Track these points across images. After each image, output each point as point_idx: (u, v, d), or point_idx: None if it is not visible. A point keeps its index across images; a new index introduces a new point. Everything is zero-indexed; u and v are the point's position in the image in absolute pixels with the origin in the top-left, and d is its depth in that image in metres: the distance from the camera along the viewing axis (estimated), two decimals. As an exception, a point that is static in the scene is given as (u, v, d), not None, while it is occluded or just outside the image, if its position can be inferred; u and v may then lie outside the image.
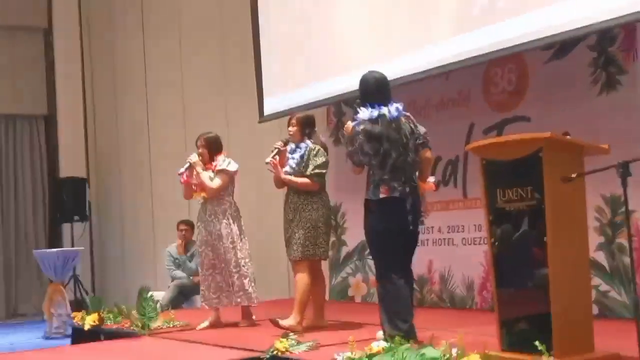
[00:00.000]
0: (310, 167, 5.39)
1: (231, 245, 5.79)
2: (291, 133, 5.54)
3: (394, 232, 4.35)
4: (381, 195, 4.33)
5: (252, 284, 5.86)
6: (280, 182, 5.58)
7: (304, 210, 5.39)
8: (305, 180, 5.39)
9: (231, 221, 5.83)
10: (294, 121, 5.54)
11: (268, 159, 5.51)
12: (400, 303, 4.33)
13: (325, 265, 7.38)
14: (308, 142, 5.49)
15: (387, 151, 4.31)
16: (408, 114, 4.53)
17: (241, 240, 5.87)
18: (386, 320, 4.33)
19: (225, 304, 5.88)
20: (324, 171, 5.44)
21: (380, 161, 4.31)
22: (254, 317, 5.95)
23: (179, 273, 8.19)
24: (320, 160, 5.41)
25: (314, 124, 5.59)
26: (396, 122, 4.41)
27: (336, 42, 7.00)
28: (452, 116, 6.48)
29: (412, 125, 4.49)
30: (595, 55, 5.42)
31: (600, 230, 5.31)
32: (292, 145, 5.55)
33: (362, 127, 4.37)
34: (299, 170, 5.42)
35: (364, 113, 4.41)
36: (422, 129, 4.53)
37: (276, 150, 5.54)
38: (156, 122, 10.81)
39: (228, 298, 5.84)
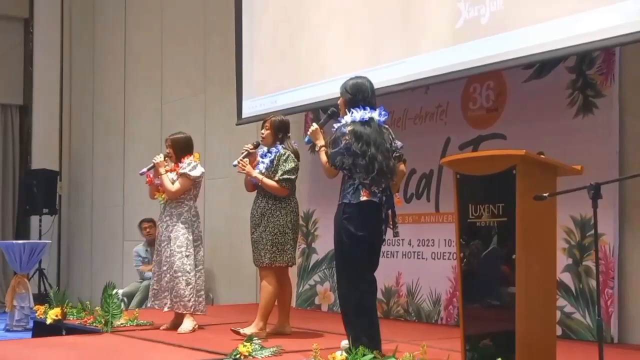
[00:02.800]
0: (279, 172, 5.32)
1: (177, 250, 5.69)
2: (263, 136, 5.49)
3: (370, 239, 4.28)
4: (362, 199, 4.22)
5: (195, 293, 5.71)
6: (251, 186, 5.53)
7: (272, 215, 5.33)
8: (274, 184, 5.33)
9: (186, 226, 5.75)
10: (267, 124, 5.49)
11: (236, 161, 5.45)
12: (367, 315, 4.27)
13: (293, 272, 7.37)
14: (279, 147, 5.43)
15: (374, 155, 4.24)
16: (386, 125, 4.50)
17: (194, 247, 5.76)
18: (352, 331, 4.25)
19: (164, 307, 5.79)
20: (292, 177, 5.37)
21: (366, 164, 4.23)
22: (194, 324, 5.73)
23: (149, 273, 8.12)
24: (289, 165, 5.34)
25: (287, 129, 5.52)
26: (382, 127, 4.39)
27: (318, 49, 7.00)
28: (429, 130, 6.49)
29: (391, 137, 4.47)
30: (573, 77, 5.46)
31: (569, 252, 5.34)
32: (263, 149, 5.51)
33: (350, 127, 4.30)
34: (268, 175, 5.36)
35: (357, 114, 4.34)
36: (399, 143, 4.51)
37: (246, 152, 5.48)
38: (132, 118, 10.74)
39: (165, 302, 5.76)
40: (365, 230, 4.23)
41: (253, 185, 5.49)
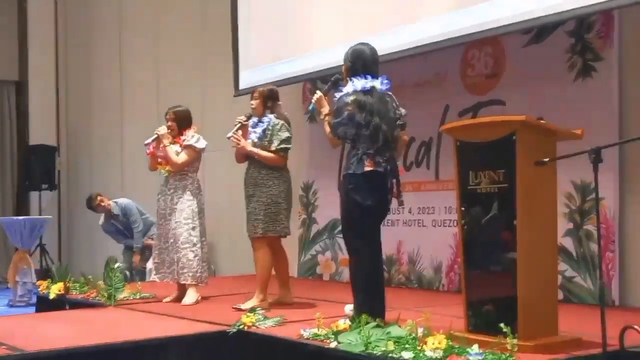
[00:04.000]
0: (276, 142, 5.28)
1: (184, 221, 5.71)
2: (253, 107, 5.43)
3: (376, 208, 4.26)
4: (366, 169, 4.19)
5: (202, 264, 5.75)
6: (241, 157, 5.48)
7: (265, 186, 5.28)
8: (271, 155, 5.30)
9: (191, 197, 5.77)
10: (256, 94, 5.44)
11: (230, 134, 5.40)
12: (373, 283, 4.28)
13: (294, 243, 7.39)
14: (270, 116, 5.37)
15: (378, 124, 4.21)
16: (390, 92, 4.46)
17: (199, 218, 5.78)
18: (358, 299, 4.27)
19: (173, 279, 5.80)
20: (288, 146, 5.34)
21: (370, 134, 4.20)
22: (198, 296, 5.77)
23: (130, 241, 8.13)
24: (284, 134, 5.31)
25: (277, 98, 5.46)
26: (383, 96, 4.35)
27: (314, 18, 6.95)
28: (427, 97, 6.47)
29: (395, 104, 4.43)
30: (572, 41, 5.43)
31: (569, 217, 5.35)
32: (254, 120, 5.44)
33: (352, 97, 4.24)
34: (262, 145, 5.32)
35: (357, 83, 4.27)
36: (403, 110, 4.46)
37: (239, 124, 5.43)
38: (129, 91, 10.70)
39: (174, 274, 5.76)
40: (371, 200, 4.21)
41: (244, 156, 5.44)
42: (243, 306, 5.15)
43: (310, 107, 4.63)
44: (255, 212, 5.29)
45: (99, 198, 7.91)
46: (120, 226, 8.04)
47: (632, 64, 5.17)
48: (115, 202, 8.00)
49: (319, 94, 4.54)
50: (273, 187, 5.29)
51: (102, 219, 8.16)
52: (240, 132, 5.42)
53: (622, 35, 5.21)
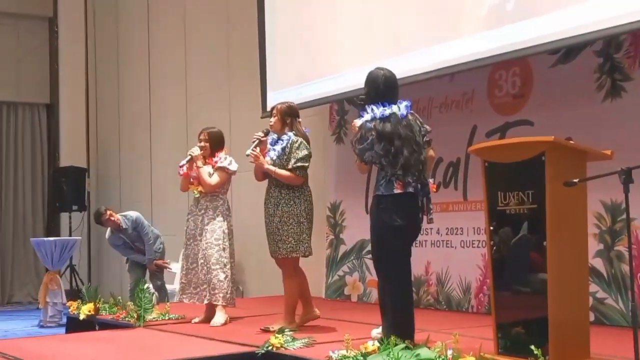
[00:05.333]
0: (292, 160, 5.23)
1: (215, 242, 5.72)
2: (272, 124, 5.40)
3: (407, 229, 4.27)
4: (395, 191, 4.22)
5: (231, 285, 5.77)
6: (260, 175, 5.44)
7: (286, 205, 5.24)
8: (288, 173, 5.24)
9: (222, 218, 5.80)
10: (274, 112, 5.40)
11: (248, 151, 5.33)
12: (403, 305, 4.27)
13: (321, 263, 7.37)
14: (290, 133, 5.33)
15: (399, 149, 4.22)
16: (412, 111, 4.48)
17: (229, 239, 5.80)
18: (387, 320, 4.26)
19: (202, 300, 5.79)
20: (306, 164, 5.28)
21: (391, 160, 4.23)
22: (227, 317, 5.76)
23: (137, 256, 8.07)
24: (302, 153, 5.25)
25: (296, 114, 5.41)
26: (406, 119, 4.35)
27: (341, 39, 6.98)
28: (455, 118, 6.46)
29: (419, 122, 4.44)
30: (600, 61, 5.41)
31: (600, 237, 5.30)
32: (273, 137, 5.41)
33: (373, 124, 4.29)
34: (280, 163, 5.28)
35: (375, 111, 4.32)
36: (427, 127, 4.49)
37: (257, 141, 5.38)
38: (158, 113, 10.80)
39: (204, 294, 5.75)
40: (401, 221, 4.22)
41: (263, 174, 5.40)
42: (271, 327, 5.13)
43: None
44: (279, 233, 5.25)
45: (108, 212, 7.92)
46: (128, 240, 8.02)
47: (661, 83, 5.13)
48: (124, 216, 7.99)
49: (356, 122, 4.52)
50: (294, 207, 5.25)
51: (108, 232, 8.11)
52: (258, 148, 5.37)
53: (651, 54, 5.18)
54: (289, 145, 5.29)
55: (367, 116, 4.37)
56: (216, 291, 5.71)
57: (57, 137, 12.17)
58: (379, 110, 4.31)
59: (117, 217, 7.90)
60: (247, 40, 8.58)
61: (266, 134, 5.44)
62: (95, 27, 12.37)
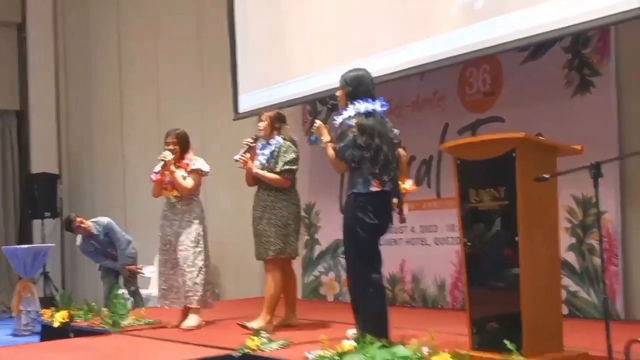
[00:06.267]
0: (280, 163, 5.34)
1: (191, 245, 5.71)
2: (261, 129, 5.49)
3: (381, 228, 4.33)
4: (372, 189, 4.26)
5: (207, 287, 5.77)
6: (251, 180, 5.53)
7: (274, 208, 5.34)
8: (276, 176, 5.34)
9: (198, 221, 5.78)
10: (263, 117, 5.52)
11: (237, 156, 5.43)
12: (378, 303, 4.29)
13: (297, 264, 7.37)
14: (278, 138, 5.44)
15: (379, 145, 4.28)
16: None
17: (204, 241, 5.79)
18: (362, 320, 4.29)
19: (181, 304, 5.77)
20: (294, 167, 5.39)
21: (372, 155, 4.27)
22: (201, 320, 5.76)
23: (109, 262, 8.01)
24: (290, 156, 5.37)
25: (283, 120, 5.54)
26: (383, 118, 4.41)
27: (313, 40, 6.99)
28: (426, 116, 6.50)
29: (390, 124, 4.50)
30: (569, 57, 5.46)
31: (571, 231, 5.35)
32: (262, 142, 5.50)
33: (354, 120, 4.32)
34: (269, 167, 5.37)
35: (360, 106, 4.35)
36: (396, 131, 4.54)
37: (246, 146, 5.47)
38: (130, 118, 10.73)
39: (182, 298, 5.74)
40: (378, 219, 4.27)
41: (254, 179, 5.49)
42: (249, 324, 5.16)
43: (313, 138, 4.68)
44: (266, 235, 5.32)
45: (78, 219, 7.84)
46: (100, 246, 7.95)
47: (629, 79, 5.20)
48: (95, 222, 7.93)
49: (318, 122, 4.59)
50: (282, 209, 5.34)
51: (79, 239, 8.02)
52: (248, 154, 5.45)
53: (619, 50, 5.24)
54: (277, 149, 5.38)
55: (348, 112, 4.38)
56: (190, 294, 5.69)
57: (28, 144, 12.05)
58: (362, 106, 4.35)
59: (88, 223, 7.83)
60: (218, 43, 8.55)
61: (255, 140, 5.51)
62: (65, 33, 12.26)
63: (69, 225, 7.90)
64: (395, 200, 4.42)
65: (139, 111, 10.46)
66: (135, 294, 7.96)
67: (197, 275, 5.69)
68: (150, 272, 8.40)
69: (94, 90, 11.62)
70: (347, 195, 4.40)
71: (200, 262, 5.72)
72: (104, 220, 7.94)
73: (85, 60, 11.78)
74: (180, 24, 9.61)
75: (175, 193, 5.82)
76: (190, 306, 5.74)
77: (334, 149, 4.40)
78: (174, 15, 9.76)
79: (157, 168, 5.83)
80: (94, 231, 7.80)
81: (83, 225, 7.79)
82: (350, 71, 4.54)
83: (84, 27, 11.83)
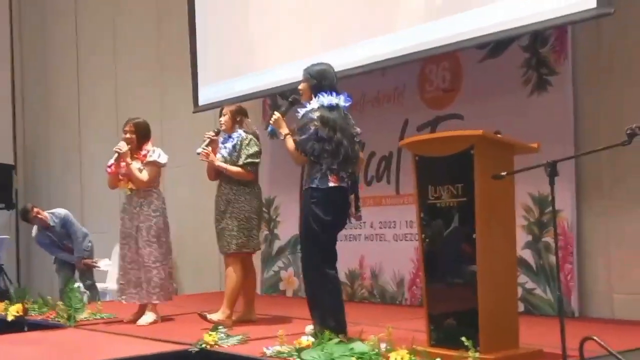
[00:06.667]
0: (243, 157, 5.33)
1: (153, 239, 5.61)
2: (222, 123, 5.47)
3: (337, 224, 4.34)
4: (330, 184, 4.26)
5: (170, 281, 5.70)
6: (213, 173, 5.49)
7: (237, 202, 5.32)
8: (239, 169, 5.32)
9: (158, 213, 5.66)
10: (225, 111, 5.49)
11: (199, 149, 5.40)
12: (334, 299, 4.31)
13: (257, 259, 7.35)
14: (240, 131, 5.43)
15: (340, 140, 4.28)
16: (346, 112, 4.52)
17: (165, 236, 5.69)
18: (318, 315, 4.30)
19: (143, 299, 5.68)
20: (256, 160, 5.39)
21: (333, 149, 4.26)
22: (157, 316, 5.70)
23: (65, 255, 7.90)
24: (252, 149, 5.35)
25: (245, 113, 5.53)
26: (346, 113, 4.41)
27: (273, 34, 6.96)
28: (387, 112, 6.51)
29: (352, 121, 4.50)
30: (527, 55, 5.51)
31: (528, 229, 5.41)
32: (224, 135, 5.48)
33: (317, 113, 4.31)
34: (231, 160, 5.36)
35: (323, 99, 4.35)
36: (358, 129, 4.53)
37: (208, 140, 5.44)
38: (87, 108, 10.59)
39: (143, 294, 5.64)
40: (333, 215, 4.28)
41: (215, 172, 5.46)
42: (209, 316, 5.15)
43: (270, 129, 4.67)
44: (229, 229, 5.30)
45: (35, 210, 7.73)
46: (56, 238, 7.84)
47: (586, 78, 5.26)
48: (52, 213, 7.82)
49: (276, 114, 4.59)
50: (245, 203, 5.33)
51: (34, 230, 7.90)
52: (210, 147, 5.41)
53: (575, 49, 5.30)
54: (239, 142, 5.37)
55: (312, 105, 4.38)
56: (151, 289, 5.61)
57: (-18, 134, 11.82)
58: (326, 99, 4.35)
59: (45, 214, 7.72)
60: (178, 33, 8.47)
61: (217, 133, 5.48)
62: (20, 21, 12.04)
63: (25, 215, 7.79)
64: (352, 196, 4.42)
65: (97, 102, 10.33)
66: (91, 287, 7.87)
67: (159, 271, 5.61)
68: (106, 265, 8.31)
69: (51, 80, 11.44)
70: (303, 190, 4.39)
71: (160, 257, 5.62)
72: (62, 211, 7.84)
73: (41, 50, 11.60)
74: (139, 14, 9.51)
75: (130, 185, 5.70)
76: (153, 303, 5.67)
77: (295, 141, 4.39)
78: (133, 6, 9.65)
79: (111, 161, 5.71)
80: (51, 222, 7.69)
81: (40, 216, 7.69)
82: (314, 65, 4.54)
83: (40, 15, 11.63)
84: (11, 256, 11.30)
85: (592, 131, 5.17)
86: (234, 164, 5.34)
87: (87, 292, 7.64)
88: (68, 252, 7.85)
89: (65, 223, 7.76)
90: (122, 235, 5.78)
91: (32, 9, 11.81)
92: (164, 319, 5.76)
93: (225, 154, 5.39)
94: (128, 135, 5.72)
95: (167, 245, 5.72)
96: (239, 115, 5.46)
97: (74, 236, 7.77)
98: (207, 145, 5.41)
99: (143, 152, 5.72)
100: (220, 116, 5.55)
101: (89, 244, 7.91)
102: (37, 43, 11.68)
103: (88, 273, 7.91)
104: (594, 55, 5.24)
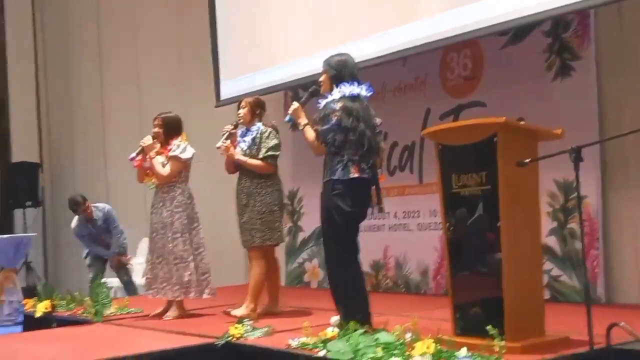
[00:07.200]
0: (263, 150, 5.32)
1: (176, 236, 5.55)
2: (241, 116, 5.46)
3: (359, 215, 4.32)
4: (352, 176, 4.22)
5: (197, 278, 5.57)
6: (232, 167, 5.48)
7: (259, 195, 5.31)
8: (260, 162, 5.32)
9: (180, 209, 5.58)
10: (243, 104, 5.48)
11: (219, 143, 5.39)
12: (358, 290, 4.29)
13: (281, 251, 7.37)
14: (259, 124, 5.42)
15: (363, 130, 4.24)
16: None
17: (190, 231, 5.59)
18: (343, 307, 4.27)
19: (167, 295, 5.65)
20: (277, 153, 5.37)
21: (357, 139, 4.23)
22: (179, 313, 5.65)
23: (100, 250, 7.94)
24: (272, 142, 5.34)
25: (263, 107, 5.52)
26: (368, 103, 4.38)
27: (294, 27, 6.95)
28: (408, 102, 6.49)
29: (373, 112, 4.47)
30: (550, 41, 5.46)
31: (553, 216, 5.37)
32: (243, 129, 5.47)
33: (340, 104, 4.27)
34: (251, 154, 5.35)
35: (345, 89, 4.31)
36: (378, 120, 4.49)
37: (227, 133, 5.43)
38: (110, 106, 10.65)
39: (168, 289, 5.60)
40: (355, 207, 4.25)
41: (235, 166, 5.45)
42: (233, 312, 5.16)
43: (288, 119, 4.67)
44: (252, 222, 5.30)
45: (86, 203, 7.74)
46: (94, 231, 7.86)
47: (609, 62, 5.20)
48: (96, 207, 7.83)
49: (295, 105, 4.58)
50: (267, 196, 5.31)
51: (75, 221, 7.90)
52: (229, 141, 5.40)
53: (598, 33, 5.24)
54: (259, 135, 5.36)
55: (333, 95, 4.34)
56: (179, 287, 5.58)
57: (8, 133, 11.91)
58: (348, 89, 4.32)
59: (91, 207, 7.79)
60: (199, 30, 8.48)
61: (235, 126, 5.47)
62: (43, 21, 12.12)
63: (75, 207, 7.78)
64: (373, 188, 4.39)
65: (120, 100, 10.38)
66: (129, 283, 7.92)
67: (184, 268, 5.54)
68: (138, 263, 8.35)
69: (75, 78, 11.51)
70: (324, 182, 4.37)
71: (184, 254, 5.55)
72: (105, 206, 7.89)
73: (65, 49, 11.67)
74: (161, 12, 9.53)
75: (154, 180, 5.70)
76: (179, 299, 5.65)
77: (316, 131, 4.38)
78: (154, 4, 9.67)
79: (133, 154, 5.72)
80: (94, 216, 7.74)
81: (89, 210, 7.74)
82: (334, 55, 4.51)
83: (63, 16, 11.70)
84: (39, 253, 11.42)
85: (617, 116, 5.11)
86: (254, 156, 5.34)
87: (113, 287, 7.69)
88: (103, 247, 7.90)
89: (107, 218, 7.82)
90: (150, 230, 5.77)
91: (55, 9, 11.88)
92: (190, 314, 5.78)
93: (245, 147, 5.38)
94: (156, 130, 5.72)
95: (194, 240, 5.61)
96: (257, 108, 5.46)
97: (115, 231, 7.83)
98: (226, 139, 5.40)
99: (169, 147, 5.69)
100: (238, 109, 5.53)
101: (125, 241, 7.96)
102: (61, 42, 11.76)
103: (124, 269, 7.95)
104: (617, 39, 5.18)
